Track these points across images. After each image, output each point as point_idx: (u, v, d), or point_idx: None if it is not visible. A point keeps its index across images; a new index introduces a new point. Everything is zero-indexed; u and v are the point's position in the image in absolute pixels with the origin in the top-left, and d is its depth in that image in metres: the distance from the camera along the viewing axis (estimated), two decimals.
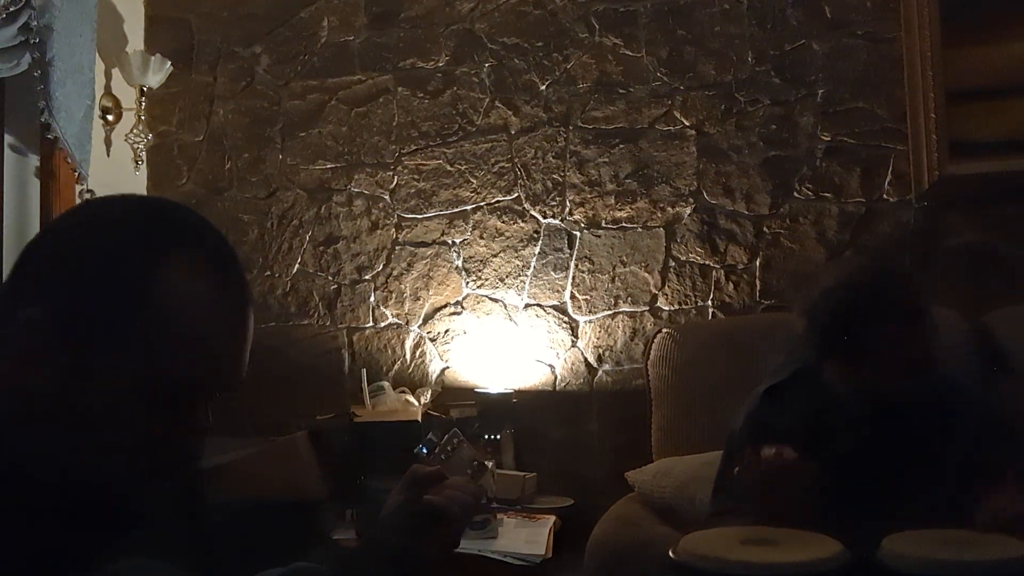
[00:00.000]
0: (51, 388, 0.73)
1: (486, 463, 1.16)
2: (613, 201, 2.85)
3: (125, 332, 0.74)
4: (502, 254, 2.94)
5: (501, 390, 2.79)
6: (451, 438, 1.10)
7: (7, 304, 0.76)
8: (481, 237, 2.95)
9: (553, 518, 2.48)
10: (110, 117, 3.01)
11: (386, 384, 2.85)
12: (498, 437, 2.69)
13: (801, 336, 1.66)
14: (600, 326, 2.84)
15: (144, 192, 3.22)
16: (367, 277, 3.06)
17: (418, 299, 3.00)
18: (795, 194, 2.71)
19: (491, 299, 2.94)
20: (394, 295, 3.03)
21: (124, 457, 0.75)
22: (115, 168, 3.01)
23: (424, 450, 1.09)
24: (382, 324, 3.03)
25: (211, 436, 0.83)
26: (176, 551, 0.82)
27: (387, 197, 3.05)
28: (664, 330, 2.58)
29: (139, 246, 0.77)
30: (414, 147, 3.03)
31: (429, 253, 3.00)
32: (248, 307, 0.82)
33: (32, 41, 2.55)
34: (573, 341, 2.86)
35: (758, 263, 2.74)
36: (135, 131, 3.04)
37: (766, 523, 1.43)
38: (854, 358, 1.58)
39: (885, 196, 2.64)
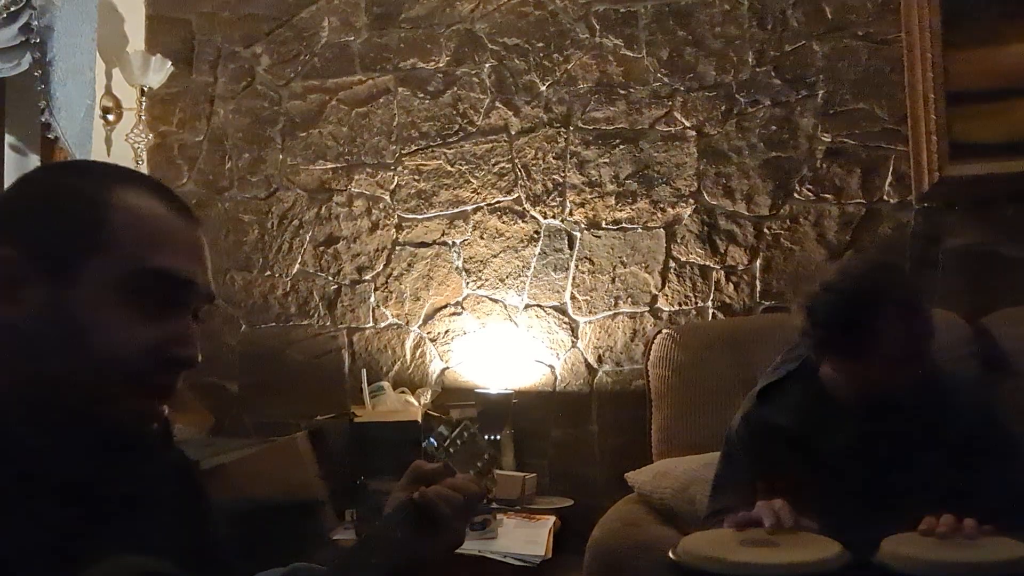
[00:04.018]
0: (30, 319, 0.78)
1: (496, 456, 1.16)
2: (613, 202, 2.85)
3: (91, 250, 0.80)
4: (502, 254, 2.94)
5: (501, 390, 2.79)
6: (461, 431, 1.09)
7: None
8: (481, 237, 2.96)
9: (553, 518, 2.48)
10: (110, 117, 3.01)
11: (386, 384, 2.86)
12: (498, 437, 2.69)
13: (799, 331, 1.65)
14: (600, 327, 2.84)
15: None
16: (367, 277, 3.06)
17: (418, 299, 3.00)
18: (795, 195, 2.72)
19: (491, 299, 2.94)
20: (394, 295, 3.03)
21: (114, 371, 0.79)
22: None
23: (434, 443, 1.08)
24: (382, 324, 3.04)
25: (210, 432, 0.84)
26: (175, 550, 0.82)
27: (387, 197, 3.05)
28: (664, 331, 2.58)
29: (88, 184, 0.84)
30: (414, 147, 3.03)
31: (429, 253, 3.00)
32: (194, 221, 0.88)
33: (33, 41, 2.55)
34: (573, 342, 2.86)
35: (758, 264, 2.74)
36: (135, 131, 3.05)
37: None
38: (851, 352, 1.58)
39: (885, 197, 2.64)
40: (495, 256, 2.94)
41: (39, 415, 0.78)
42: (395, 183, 3.04)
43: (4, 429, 0.76)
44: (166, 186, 0.90)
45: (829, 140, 2.69)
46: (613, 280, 2.84)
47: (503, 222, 2.94)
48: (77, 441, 0.79)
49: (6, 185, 2.71)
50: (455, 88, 3.00)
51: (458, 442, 1.08)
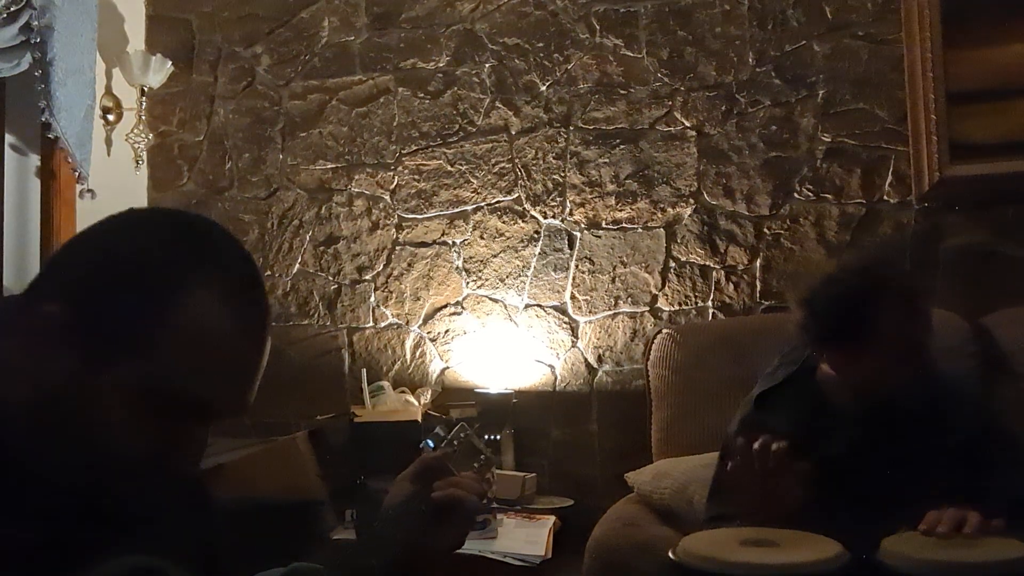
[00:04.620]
0: (55, 385, 0.75)
1: (492, 457, 1.16)
2: (613, 202, 2.85)
3: (138, 344, 0.75)
4: (502, 254, 2.94)
5: (501, 390, 2.79)
6: (458, 432, 1.10)
7: (32, 298, 0.78)
8: (481, 237, 2.96)
9: (553, 518, 2.47)
10: (111, 117, 3.02)
11: (386, 384, 2.85)
12: (498, 437, 2.69)
13: (798, 325, 1.65)
14: (600, 326, 2.84)
15: (144, 192, 3.23)
16: (367, 277, 3.06)
17: (418, 299, 3.00)
18: (795, 195, 2.72)
19: (491, 299, 2.94)
20: (394, 295, 3.03)
21: (114, 461, 0.76)
22: (115, 168, 3.01)
23: (431, 444, 1.09)
24: (382, 324, 3.04)
25: (210, 439, 0.83)
26: (176, 551, 0.82)
27: (387, 197, 3.05)
28: (664, 331, 2.58)
29: (169, 264, 0.77)
30: (415, 147, 3.03)
31: (429, 253, 3.00)
32: (266, 337, 0.82)
33: (33, 41, 2.55)
34: (573, 341, 2.86)
35: (758, 264, 2.74)
36: (135, 131, 3.05)
37: (760, 525, 1.43)
38: (849, 345, 1.58)
39: (885, 197, 2.64)
40: (495, 256, 2.94)
41: (42, 446, 0.76)
42: (395, 183, 3.04)
43: (10, 441, 0.75)
44: (256, 276, 0.82)
45: (829, 140, 2.69)
46: (613, 280, 2.84)
47: (503, 222, 2.94)
48: (76, 467, 0.77)
49: (6, 186, 2.74)
50: (455, 88, 3.00)
51: (455, 443, 1.08)
